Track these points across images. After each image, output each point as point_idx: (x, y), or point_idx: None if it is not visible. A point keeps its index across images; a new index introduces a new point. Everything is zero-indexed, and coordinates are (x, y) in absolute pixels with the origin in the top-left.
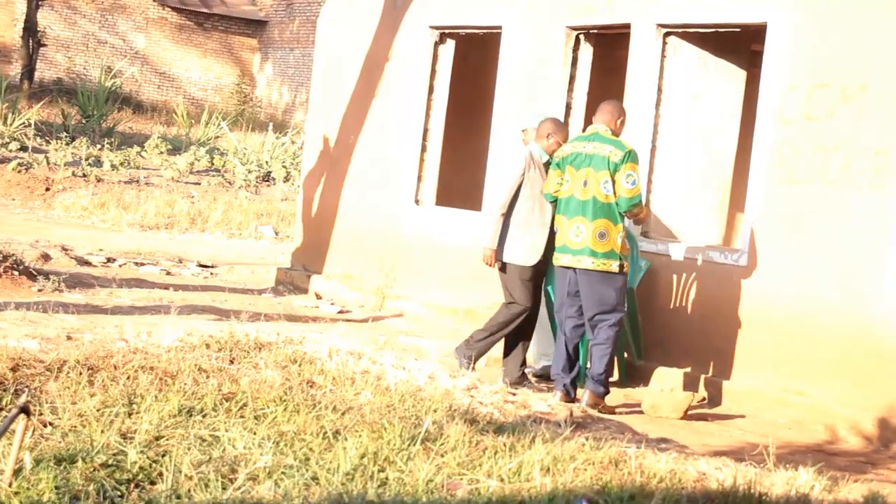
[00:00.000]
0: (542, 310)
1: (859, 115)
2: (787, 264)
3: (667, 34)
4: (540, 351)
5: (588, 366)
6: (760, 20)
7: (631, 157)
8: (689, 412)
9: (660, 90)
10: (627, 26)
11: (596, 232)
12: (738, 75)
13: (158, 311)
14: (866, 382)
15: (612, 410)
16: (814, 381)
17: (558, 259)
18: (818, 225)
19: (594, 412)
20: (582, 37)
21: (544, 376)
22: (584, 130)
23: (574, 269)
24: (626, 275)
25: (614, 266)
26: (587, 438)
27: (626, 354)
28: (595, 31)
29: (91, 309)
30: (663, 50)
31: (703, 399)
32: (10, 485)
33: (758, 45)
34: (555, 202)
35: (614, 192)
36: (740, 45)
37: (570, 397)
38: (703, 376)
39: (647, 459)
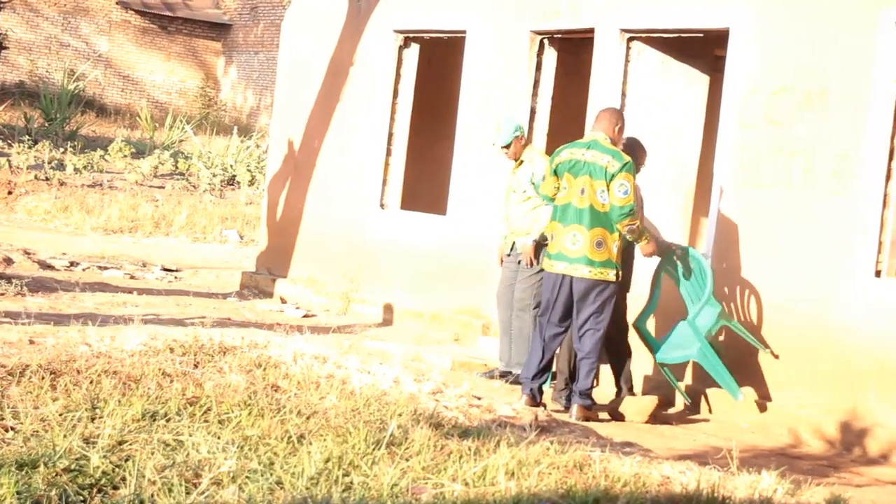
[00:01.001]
0: (525, 316)
1: (821, 119)
2: (749, 268)
3: (630, 39)
4: (516, 359)
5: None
6: (723, 25)
7: (627, 167)
8: (653, 416)
9: (624, 94)
10: (591, 31)
11: (593, 241)
12: (702, 80)
13: (121, 320)
14: (829, 386)
15: (596, 417)
16: (777, 385)
17: (553, 266)
18: (781, 229)
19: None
20: (546, 41)
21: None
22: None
23: (569, 276)
24: (619, 284)
25: (611, 275)
26: (552, 442)
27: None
28: (559, 35)
29: (54, 314)
30: (627, 55)
31: (685, 406)
32: None
33: (721, 49)
34: (551, 202)
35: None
36: (703, 49)
37: (535, 401)
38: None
39: (611, 463)
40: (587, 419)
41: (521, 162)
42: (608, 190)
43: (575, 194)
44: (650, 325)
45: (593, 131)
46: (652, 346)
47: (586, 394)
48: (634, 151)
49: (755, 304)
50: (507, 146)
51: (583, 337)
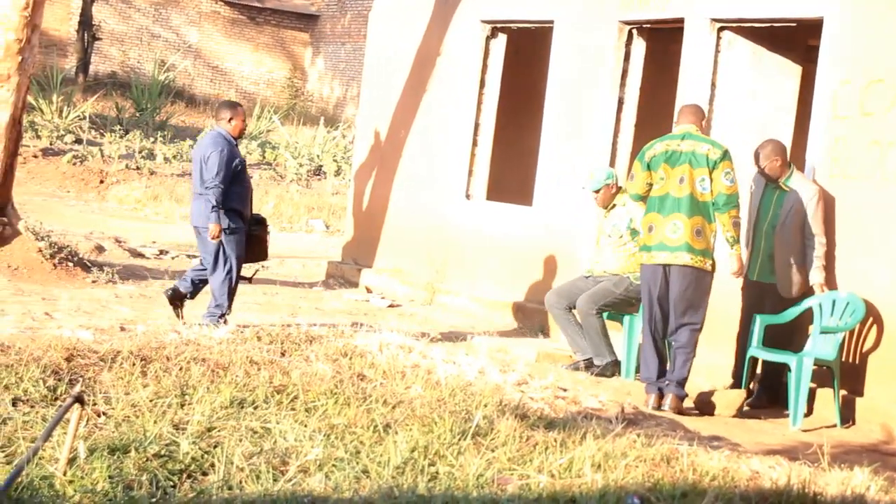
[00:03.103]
0: (591, 319)
1: None
2: (841, 261)
3: (721, 29)
4: (577, 345)
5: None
6: (816, 15)
7: (728, 155)
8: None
9: (713, 85)
10: (681, 21)
11: (693, 229)
12: (794, 70)
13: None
14: None
15: (687, 411)
16: (869, 381)
17: (654, 257)
18: (873, 222)
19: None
20: (635, 31)
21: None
22: (672, 128)
23: (668, 266)
24: (713, 274)
25: (708, 265)
26: (638, 435)
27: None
28: (648, 25)
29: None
30: (717, 45)
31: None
32: (64, 473)
33: (813, 39)
34: (641, 201)
35: (711, 191)
36: (795, 39)
37: (661, 401)
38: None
39: (699, 457)
40: (679, 411)
41: (614, 206)
42: (710, 179)
43: (673, 184)
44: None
45: (683, 124)
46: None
47: (681, 384)
48: None
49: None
50: (597, 191)
51: (680, 329)
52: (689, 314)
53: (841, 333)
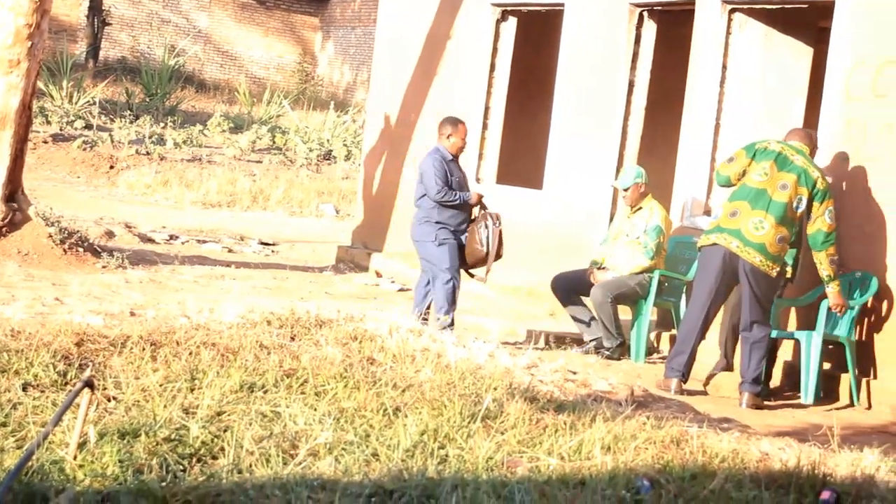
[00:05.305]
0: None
1: None
2: (849, 240)
3: (732, 10)
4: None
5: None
6: None
7: (831, 193)
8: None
9: (724, 67)
10: (692, 2)
11: (777, 235)
12: (805, 52)
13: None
14: None
15: (764, 405)
16: (880, 363)
17: (727, 240)
18: (884, 202)
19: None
20: (645, 13)
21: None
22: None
23: (738, 257)
24: (781, 279)
25: (774, 271)
26: (648, 417)
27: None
28: (659, 7)
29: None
30: (728, 27)
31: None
32: (74, 458)
33: (825, 21)
34: (726, 185)
35: (808, 219)
36: (807, 21)
37: (682, 387)
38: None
39: (708, 439)
40: (757, 407)
41: (640, 208)
42: (809, 206)
43: (774, 185)
44: None
45: (796, 141)
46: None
47: (758, 380)
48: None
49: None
50: (626, 189)
51: (754, 325)
52: (759, 311)
53: (855, 310)
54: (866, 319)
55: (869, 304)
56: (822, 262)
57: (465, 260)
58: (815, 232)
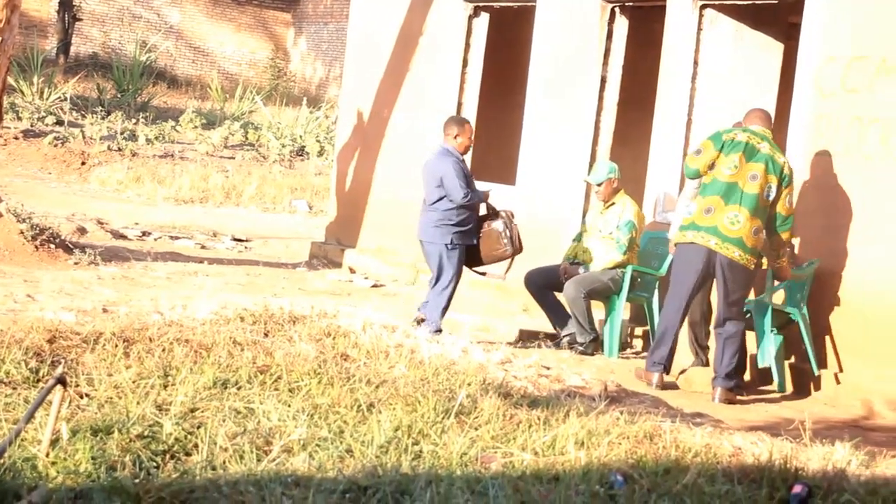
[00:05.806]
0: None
1: None
2: (824, 238)
3: (703, 6)
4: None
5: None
6: None
7: (793, 178)
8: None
9: (696, 63)
10: None
11: (752, 227)
12: (776, 48)
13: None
14: None
15: (737, 400)
16: (849, 358)
17: (704, 238)
18: (854, 197)
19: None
20: (617, 10)
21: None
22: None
23: (717, 254)
24: (756, 272)
25: (753, 264)
26: (622, 412)
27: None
28: (630, 3)
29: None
30: (699, 22)
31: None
32: (47, 455)
33: (795, 16)
34: (695, 178)
35: (773, 203)
36: (777, 17)
37: (663, 379)
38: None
39: (682, 434)
40: (730, 401)
41: (613, 204)
42: (779, 192)
43: (744, 177)
44: None
45: (757, 125)
46: None
47: (731, 375)
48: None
49: (829, 271)
50: (599, 185)
51: (728, 322)
52: (736, 309)
53: (805, 287)
54: (831, 314)
55: (839, 302)
56: (784, 240)
57: (477, 259)
58: (776, 215)
